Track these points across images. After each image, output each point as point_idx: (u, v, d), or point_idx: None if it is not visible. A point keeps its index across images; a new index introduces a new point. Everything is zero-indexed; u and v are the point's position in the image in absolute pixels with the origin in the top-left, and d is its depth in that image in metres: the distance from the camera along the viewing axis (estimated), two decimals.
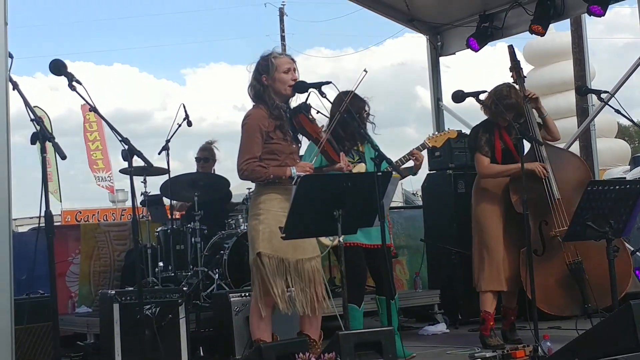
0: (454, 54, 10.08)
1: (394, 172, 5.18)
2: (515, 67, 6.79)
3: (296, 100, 5.39)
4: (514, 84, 6.67)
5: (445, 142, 6.49)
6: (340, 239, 4.81)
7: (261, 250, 5.12)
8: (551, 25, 20.66)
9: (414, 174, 6.23)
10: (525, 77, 6.81)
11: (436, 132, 6.46)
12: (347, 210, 4.77)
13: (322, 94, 5.11)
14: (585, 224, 5.25)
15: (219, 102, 72.43)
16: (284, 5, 30.23)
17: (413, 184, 17.54)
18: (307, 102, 5.32)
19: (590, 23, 61.10)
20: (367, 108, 6.17)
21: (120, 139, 4.51)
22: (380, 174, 4.86)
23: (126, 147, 4.46)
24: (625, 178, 14.65)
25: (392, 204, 11.18)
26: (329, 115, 5.67)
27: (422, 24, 10.06)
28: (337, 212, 4.74)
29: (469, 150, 7.40)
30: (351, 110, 5.53)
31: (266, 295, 5.14)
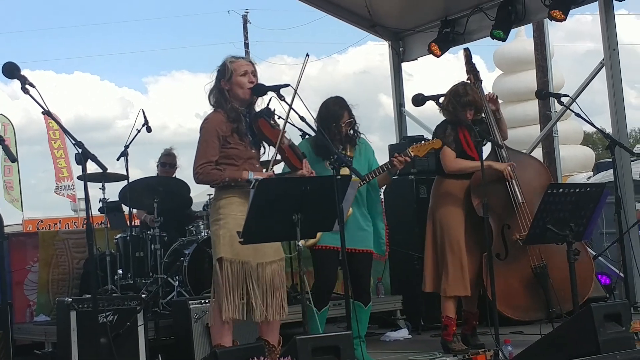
0: (416, 59, 10.11)
1: (353, 176, 5.10)
2: (472, 70, 6.78)
3: (261, 105, 5.32)
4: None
5: (428, 152, 6.30)
6: (299, 243, 4.75)
7: (222, 255, 5.05)
8: (523, 32, 20.75)
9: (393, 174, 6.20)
10: (482, 80, 6.79)
11: (421, 142, 6.39)
12: (306, 215, 4.70)
13: (281, 97, 5.04)
14: (546, 227, 5.25)
15: (182, 110, 72.22)
16: (247, 12, 30.17)
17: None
18: (270, 107, 5.25)
19: (552, 30, 61.91)
20: (346, 115, 6.05)
21: (74, 142, 4.44)
22: (339, 177, 4.80)
23: (80, 150, 4.38)
24: None
25: None
26: (292, 122, 5.58)
27: (384, 29, 10.07)
28: (296, 216, 4.68)
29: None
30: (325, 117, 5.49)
31: (227, 302, 5.06)
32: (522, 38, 20.43)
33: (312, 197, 4.72)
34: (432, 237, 6.55)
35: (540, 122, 15.61)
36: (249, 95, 5.15)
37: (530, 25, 15.24)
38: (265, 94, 5.17)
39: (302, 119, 5.09)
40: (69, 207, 27.79)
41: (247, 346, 4.26)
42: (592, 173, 18.19)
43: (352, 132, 6.10)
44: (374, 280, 8.82)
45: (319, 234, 5.65)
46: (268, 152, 5.40)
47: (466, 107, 6.34)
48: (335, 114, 5.93)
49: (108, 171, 7.25)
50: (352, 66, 58.92)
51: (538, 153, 15.24)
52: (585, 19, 54.52)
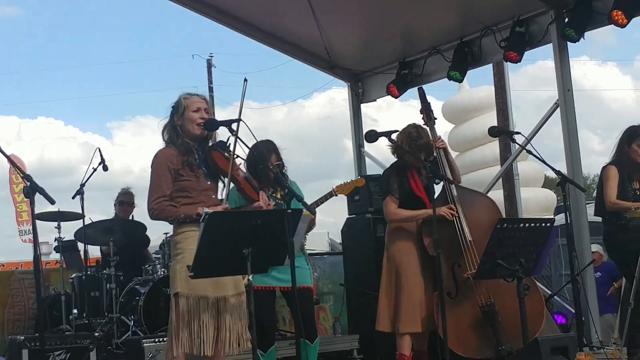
0: (375, 100, 10.20)
1: (304, 210, 5.11)
2: (426, 109, 6.85)
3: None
4: (424, 126, 6.72)
5: (352, 190, 6.52)
6: (250, 277, 4.73)
7: (179, 290, 5.01)
8: (465, 83, 21.13)
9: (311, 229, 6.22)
10: (437, 118, 6.86)
11: (345, 181, 6.48)
12: (257, 248, 4.69)
13: (232, 132, 5.06)
14: (496, 262, 5.28)
15: (146, 154, 71.86)
16: (211, 57, 30.12)
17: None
18: (224, 140, 5.27)
19: (515, 77, 62.68)
20: (274, 158, 6.13)
21: (22, 175, 4.43)
22: (290, 211, 4.81)
23: (28, 183, 4.36)
24: None
25: (317, 251, 11.22)
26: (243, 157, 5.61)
27: (343, 71, 10.15)
28: (247, 250, 4.67)
29: (380, 193, 7.39)
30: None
31: (183, 337, 5.01)
32: (465, 88, 20.76)
33: (263, 231, 4.71)
34: (387, 274, 6.58)
35: (501, 164, 15.75)
36: (200, 131, 5.15)
37: (471, 73, 15.44)
38: (217, 129, 5.19)
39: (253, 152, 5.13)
40: (31, 251, 27.47)
41: None
42: (552, 216, 18.35)
43: (280, 174, 6.10)
44: (331, 320, 8.84)
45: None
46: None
47: (420, 150, 6.43)
48: (263, 157, 5.90)
49: (63, 210, 7.29)
50: (317, 111, 59.26)
51: (499, 195, 15.35)
52: (548, 66, 55.25)
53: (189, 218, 5.06)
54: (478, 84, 21.09)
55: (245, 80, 5.23)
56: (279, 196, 6.06)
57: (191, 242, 5.01)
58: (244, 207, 5.52)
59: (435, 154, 6.60)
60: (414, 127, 6.57)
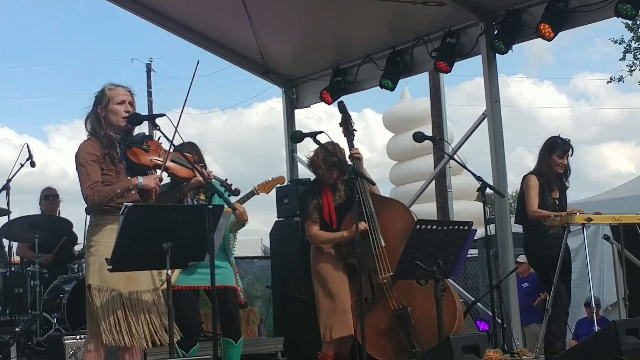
0: (309, 106, 10.28)
1: (225, 207, 5.14)
2: (345, 121, 6.97)
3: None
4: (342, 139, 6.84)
5: (273, 189, 6.55)
6: (169, 272, 4.74)
7: (91, 283, 4.99)
8: (407, 93, 21.27)
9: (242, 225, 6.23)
10: (356, 130, 6.97)
11: (267, 179, 6.53)
12: (177, 243, 4.71)
13: (156, 126, 5.07)
14: (414, 263, 5.36)
15: None
16: (151, 61, 30.01)
17: None
18: (142, 133, 5.26)
19: (453, 92, 63.44)
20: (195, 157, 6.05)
21: None
22: (211, 207, 4.83)
23: None
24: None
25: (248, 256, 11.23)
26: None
27: (278, 76, 10.20)
28: (167, 244, 4.68)
29: (300, 216, 7.46)
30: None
31: (97, 330, 5.00)
32: (407, 99, 20.98)
33: (184, 226, 4.73)
34: (317, 287, 6.69)
35: (435, 175, 15.92)
36: (124, 124, 5.14)
37: (415, 85, 15.69)
38: (140, 123, 5.19)
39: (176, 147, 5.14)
40: None
41: None
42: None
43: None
44: (256, 322, 8.87)
45: (174, 276, 5.69)
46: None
47: (334, 167, 6.54)
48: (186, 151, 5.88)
49: None
50: (257, 121, 59.22)
51: (432, 207, 15.55)
52: None
53: (126, 191, 5.00)
54: (420, 96, 21.36)
55: (198, 62, 5.24)
56: (202, 197, 6.06)
57: (106, 234, 4.99)
58: (179, 188, 5.50)
59: (350, 163, 6.68)
60: (331, 144, 6.62)
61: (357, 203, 6.07)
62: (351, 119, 6.99)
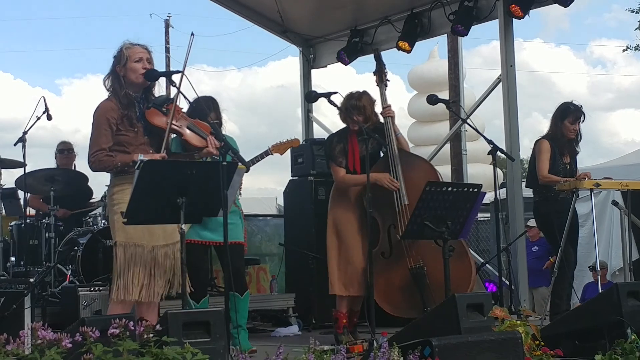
0: (326, 66, 10.28)
1: (239, 164, 5.21)
2: (379, 70, 6.92)
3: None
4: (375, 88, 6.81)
5: (287, 150, 6.65)
6: (183, 226, 4.82)
7: (117, 240, 5.12)
8: (436, 53, 21.11)
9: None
10: (389, 80, 6.94)
11: (281, 140, 6.57)
12: (191, 199, 4.77)
13: (173, 83, 5.14)
14: (423, 224, 5.44)
15: None
16: (170, 17, 29.67)
17: None
18: (165, 95, 5.33)
19: (470, 55, 62.94)
20: (213, 115, 6.09)
21: None
22: (225, 163, 4.89)
23: None
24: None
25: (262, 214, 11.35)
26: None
27: (295, 35, 10.23)
28: (181, 199, 4.75)
29: (324, 158, 7.47)
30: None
31: (124, 284, 5.10)
32: (435, 59, 20.80)
33: (198, 182, 4.78)
34: (331, 238, 6.66)
35: (451, 140, 15.93)
36: (142, 80, 5.20)
37: (445, 46, 15.65)
38: (157, 79, 5.24)
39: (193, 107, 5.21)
40: None
41: (116, 315, 4.26)
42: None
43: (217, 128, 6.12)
44: (269, 278, 8.99)
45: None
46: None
47: (354, 110, 6.43)
48: (202, 112, 5.79)
49: (4, 157, 7.28)
50: (271, 79, 58.97)
51: (447, 170, 15.58)
52: None
53: (126, 166, 5.12)
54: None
55: (192, 34, 5.29)
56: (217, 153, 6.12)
57: (127, 193, 5.05)
58: (189, 154, 5.59)
59: (382, 122, 6.66)
60: (357, 91, 6.59)
61: (389, 147, 6.18)
62: (386, 69, 6.95)
